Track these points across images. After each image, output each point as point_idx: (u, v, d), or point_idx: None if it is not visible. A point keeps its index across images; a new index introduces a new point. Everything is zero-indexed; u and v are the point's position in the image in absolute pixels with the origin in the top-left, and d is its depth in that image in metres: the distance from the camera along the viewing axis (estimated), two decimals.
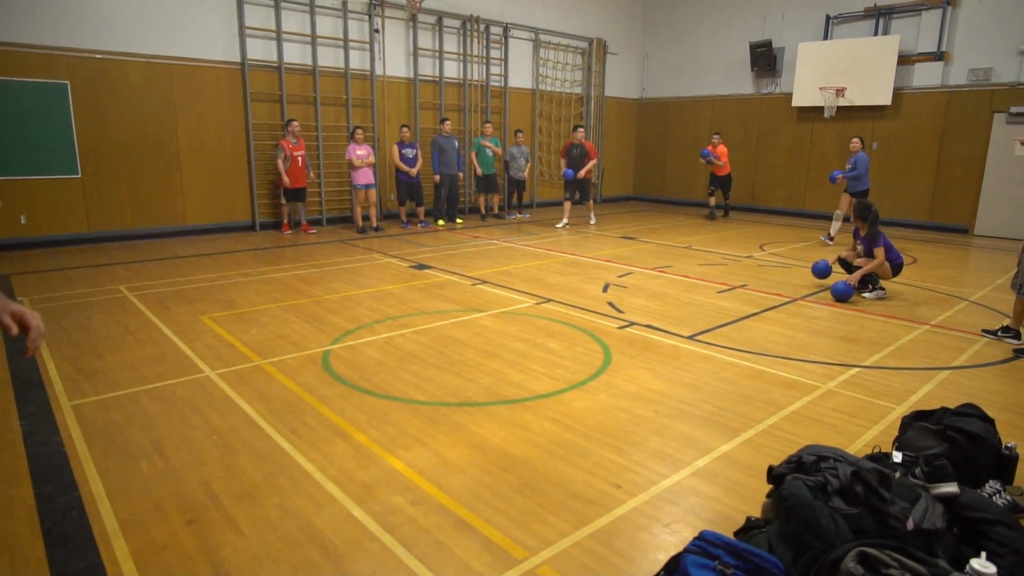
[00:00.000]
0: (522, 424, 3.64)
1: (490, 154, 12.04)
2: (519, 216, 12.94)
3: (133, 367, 4.43)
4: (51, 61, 8.56)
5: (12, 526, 2.63)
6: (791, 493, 2.24)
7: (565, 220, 11.49)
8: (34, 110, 8.55)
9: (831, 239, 10.25)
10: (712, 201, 13.17)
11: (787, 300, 6.51)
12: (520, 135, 12.48)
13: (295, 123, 9.99)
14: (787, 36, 13.51)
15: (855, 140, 9.92)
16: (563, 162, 11.45)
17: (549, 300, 6.38)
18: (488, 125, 12.16)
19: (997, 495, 2.83)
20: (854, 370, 4.57)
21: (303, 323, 5.52)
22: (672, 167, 16.09)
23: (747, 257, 8.91)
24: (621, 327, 5.52)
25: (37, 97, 8.52)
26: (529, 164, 12.53)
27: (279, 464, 3.16)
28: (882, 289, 6.68)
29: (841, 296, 6.43)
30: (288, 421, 3.63)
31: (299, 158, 10.02)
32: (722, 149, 12.63)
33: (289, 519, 2.70)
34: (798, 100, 13.13)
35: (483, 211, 12.57)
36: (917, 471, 2.67)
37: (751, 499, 2.87)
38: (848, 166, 9.87)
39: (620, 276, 7.53)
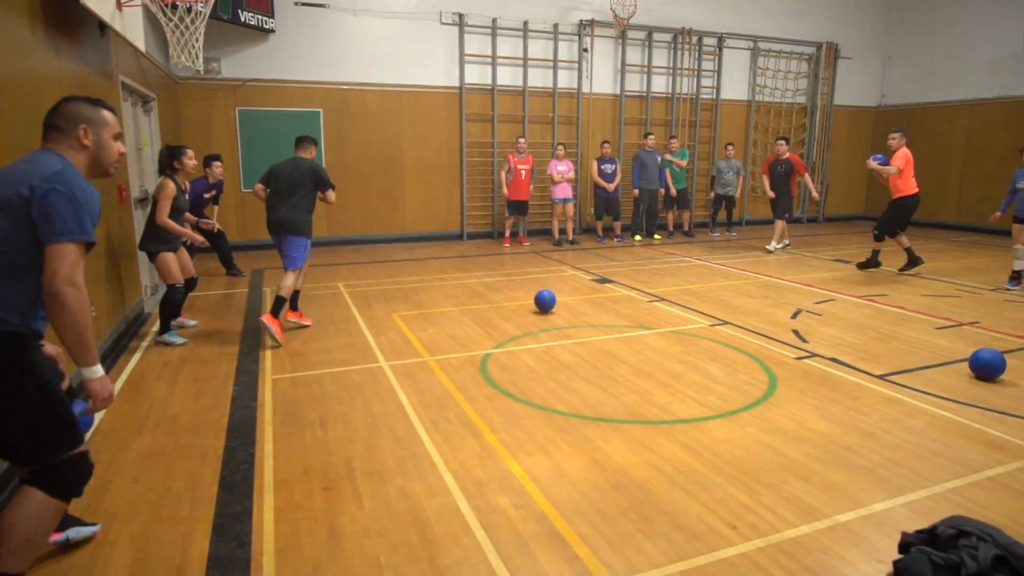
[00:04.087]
0: (651, 447, 3.52)
1: (677, 169, 11.66)
2: (726, 234, 12.29)
3: (327, 353, 5.15)
4: (309, 93, 10.26)
5: (201, 469, 3.25)
6: (907, 568, 1.90)
7: (785, 241, 10.54)
8: (293, 134, 10.23)
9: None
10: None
11: None
12: (731, 148, 11.86)
13: (522, 140, 10.60)
14: None
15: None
16: (765, 180, 10.48)
17: (726, 323, 6.01)
18: (673, 140, 11.75)
19: None
20: None
21: (475, 326, 5.91)
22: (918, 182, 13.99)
23: (991, 290, 7.45)
24: (799, 358, 5.01)
25: (297, 123, 10.24)
26: (741, 178, 11.82)
27: (412, 451, 3.46)
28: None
29: None
30: (433, 415, 3.95)
31: (523, 171, 10.55)
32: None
33: (404, 501, 2.96)
34: None
35: (671, 228, 12.14)
36: None
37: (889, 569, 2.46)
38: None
39: (818, 303, 6.80)
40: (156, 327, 5.66)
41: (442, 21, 10.83)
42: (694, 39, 12.49)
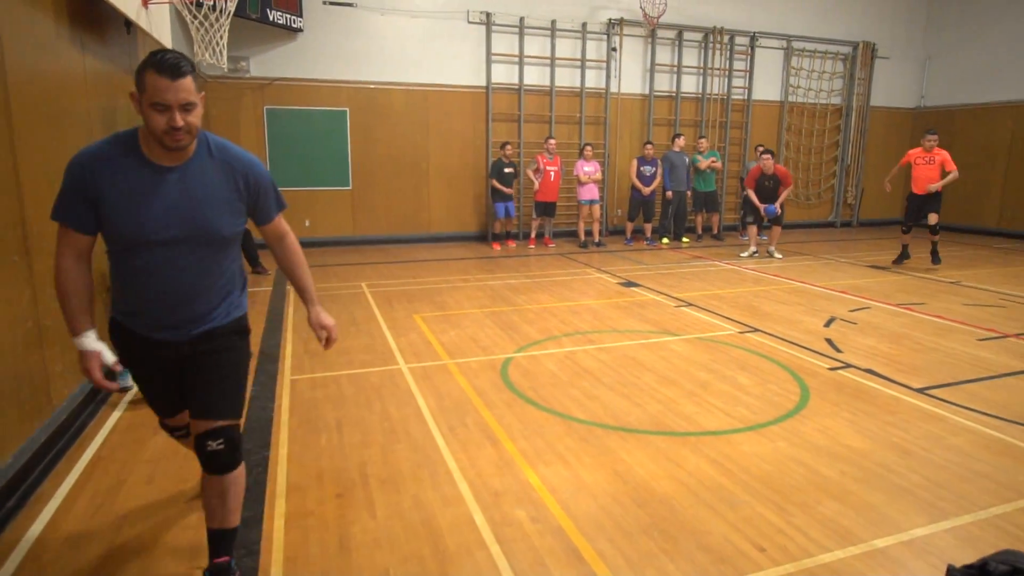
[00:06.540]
0: (677, 460, 3.38)
1: (703, 169, 11.40)
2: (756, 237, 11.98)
3: (347, 353, 5.09)
4: (336, 92, 10.27)
5: None
6: None
7: (753, 248, 10.08)
8: (320, 133, 10.34)
9: None
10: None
11: None
12: (761, 150, 11.56)
13: (552, 140, 10.47)
14: None
15: None
16: (751, 194, 9.79)
17: (756, 330, 5.82)
18: (702, 140, 11.49)
19: None
20: None
21: (497, 329, 5.80)
22: (957, 187, 13.53)
23: None
24: (833, 368, 4.81)
25: (324, 122, 10.28)
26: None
27: (427, 457, 3.37)
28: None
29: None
30: (450, 420, 3.85)
31: (552, 173, 10.40)
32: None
33: (418, 511, 2.87)
34: None
35: (699, 231, 11.89)
36: None
37: None
38: None
39: (852, 310, 6.56)
40: None
41: (469, 20, 10.77)
42: (726, 38, 12.23)
